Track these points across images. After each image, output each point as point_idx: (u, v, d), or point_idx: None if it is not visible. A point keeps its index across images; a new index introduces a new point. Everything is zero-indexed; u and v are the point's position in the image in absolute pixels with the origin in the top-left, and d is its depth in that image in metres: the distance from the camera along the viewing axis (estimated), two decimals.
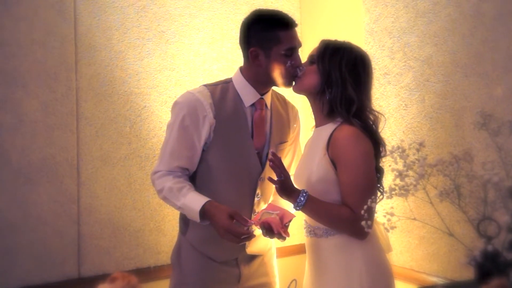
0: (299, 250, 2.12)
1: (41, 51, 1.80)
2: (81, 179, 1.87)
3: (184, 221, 1.55)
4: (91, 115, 1.90)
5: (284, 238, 1.35)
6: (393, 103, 1.82)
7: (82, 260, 1.87)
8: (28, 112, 1.77)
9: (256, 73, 1.47)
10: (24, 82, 1.76)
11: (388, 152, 1.23)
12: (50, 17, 1.83)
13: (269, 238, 1.49)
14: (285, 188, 1.35)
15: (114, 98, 1.94)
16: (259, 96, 1.50)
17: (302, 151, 1.57)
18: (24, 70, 1.77)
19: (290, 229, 1.39)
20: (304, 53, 1.49)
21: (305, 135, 1.65)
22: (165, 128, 2.01)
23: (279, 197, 1.43)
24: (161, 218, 2.01)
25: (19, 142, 1.75)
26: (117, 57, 1.95)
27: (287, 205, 1.45)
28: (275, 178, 1.34)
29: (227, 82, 1.52)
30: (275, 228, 1.33)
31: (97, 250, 1.89)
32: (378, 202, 1.40)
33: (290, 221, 1.37)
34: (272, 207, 1.44)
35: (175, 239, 1.83)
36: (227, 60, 2.19)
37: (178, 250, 1.58)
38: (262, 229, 1.38)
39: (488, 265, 1.07)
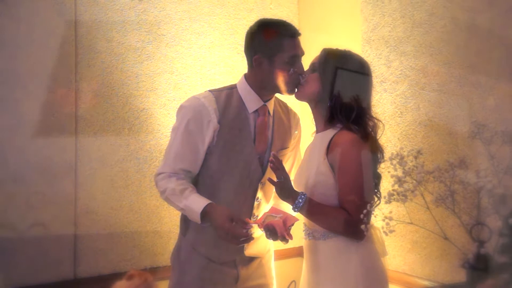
0: (296, 252, 2.16)
1: (41, 52, 1.81)
2: (78, 180, 1.88)
3: (185, 222, 1.58)
4: (90, 117, 1.91)
5: (287, 241, 1.38)
6: (389, 110, 1.87)
7: (78, 261, 1.87)
8: (27, 113, 1.77)
9: (260, 80, 1.51)
10: (23, 83, 1.77)
11: (387, 159, 1.27)
12: (50, 19, 1.84)
13: (268, 240, 1.53)
14: (284, 190, 1.38)
15: (113, 100, 1.95)
16: (262, 103, 1.53)
17: (302, 157, 1.61)
18: (24, 71, 1.77)
19: None
20: (303, 61, 1.53)
21: (304, 140, 1.69)
22: (163, 130, 2.05)
23: (280, 201, 1.47)
24: (157, 220, 2.03)
25: (18, 143, 1.75)
26: (116, 59, 1.96)
27: (288, 209, 1.48)
28: (276, 180, 1.37)
29: (232, 88, 1.55)
30: (279, 230, 1.36)
31: (93, 251, 1.90)
32: (375, 207, 1.44)
33: (292, 224, 1.41)
34: (275, 210, 1.47)
35: (171, 241, 1.85)
36: (226, 65, 2.22)
37: (177, 251, 1.60)
38: (265, 232, 1.41)
39: (480, 268, 1.12)
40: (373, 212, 1.37)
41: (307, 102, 1.51)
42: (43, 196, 1.79)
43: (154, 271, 1.99)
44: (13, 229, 1.73)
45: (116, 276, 1.56)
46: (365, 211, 1.22)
